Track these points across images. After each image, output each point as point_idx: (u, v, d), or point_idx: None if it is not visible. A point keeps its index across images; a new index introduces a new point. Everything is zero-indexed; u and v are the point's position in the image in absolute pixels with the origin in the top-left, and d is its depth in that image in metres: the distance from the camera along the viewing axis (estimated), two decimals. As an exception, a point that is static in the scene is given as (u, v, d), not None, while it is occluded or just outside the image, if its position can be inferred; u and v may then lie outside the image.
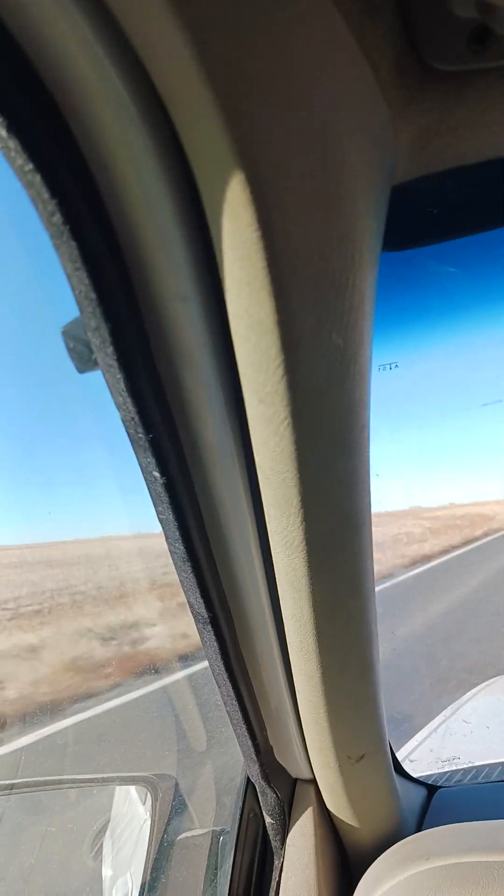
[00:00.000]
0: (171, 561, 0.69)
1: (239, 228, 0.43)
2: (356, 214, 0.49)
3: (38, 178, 0.40)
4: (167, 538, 0.66)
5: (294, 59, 0.40)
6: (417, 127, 0.51)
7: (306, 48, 0.40)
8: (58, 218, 0.42)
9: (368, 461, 0.65)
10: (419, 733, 2.21)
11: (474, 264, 0.89)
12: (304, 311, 0.48)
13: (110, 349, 0.49)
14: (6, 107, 0.38)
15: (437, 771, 1.58)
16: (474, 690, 2.70)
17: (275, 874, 1.02)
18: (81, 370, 0.54)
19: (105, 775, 1.51)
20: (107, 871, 1.56)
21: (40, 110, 0.40)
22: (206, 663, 0.81)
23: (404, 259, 0.67)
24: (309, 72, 0.41)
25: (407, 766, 1.32)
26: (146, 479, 0.61)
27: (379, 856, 1.00)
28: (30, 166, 0.40)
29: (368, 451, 0.64)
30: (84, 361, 0.53)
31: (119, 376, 0.51)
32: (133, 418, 0.54)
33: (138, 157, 0.43)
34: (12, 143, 0.39)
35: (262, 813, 1.05)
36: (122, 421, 0.55)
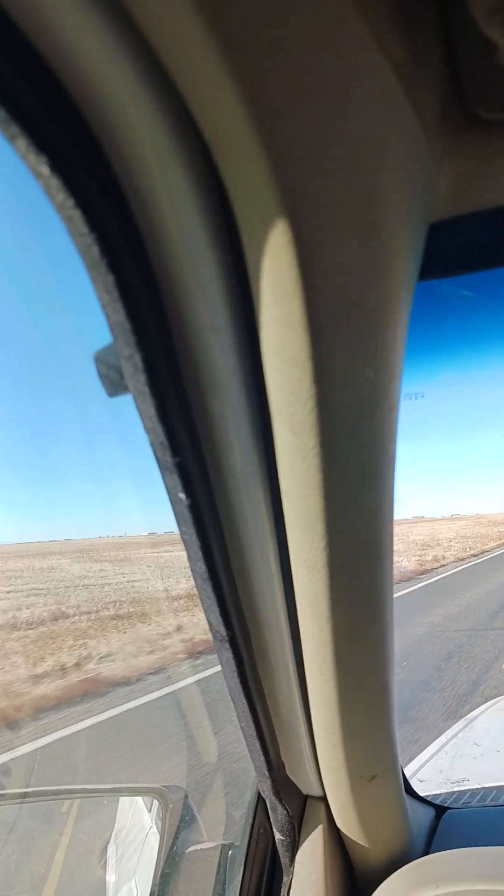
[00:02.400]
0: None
1: (278, 266, 0.44)
2: (393, 254, 0.49)
3: (77, 213, 0.41)
4: (189, 557, 0.66)
5: (344, 110, 0.41)
6: (457, 171, 0.51)
7: (357, 99, 0.41)
8: (95, 251, 0.43)
9: (394, 491, 0.65)
10: (427, 750, 2.20)
11: (497, 299, 0.89)
12: (338, 346, 0.49)
13: (143, 377, 0.50)
14: (50, 146, 0.39)
15: (446, 791, 1.57)
16: (482, 707, 2.69)
17: (283, 891, 1.02)
18: (112, 394, 0.55)
19: (116, 786, 1.52)
20: (112, 880, 1.57)
21: (84, 150, 0.41)
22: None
23: (432, 290, 0.68)
24: (358, 121, 0.42)
25: (416, 785, 1.32)
26: (171, 500, 0.61)
27: (387, 876, 1.00)
28: (70, 202, 0.41)
29: (394, 481, 0.65)
30: (115, 386, 0.54)
31: (150, 402, 0.51)
32: (161, 442, 0.55)
33: (178, 193, 0.43)
34: (54, 182, 0.40)
35: (272, 829, 1.05)
36: (150, 444, 0.56)
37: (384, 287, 0.50)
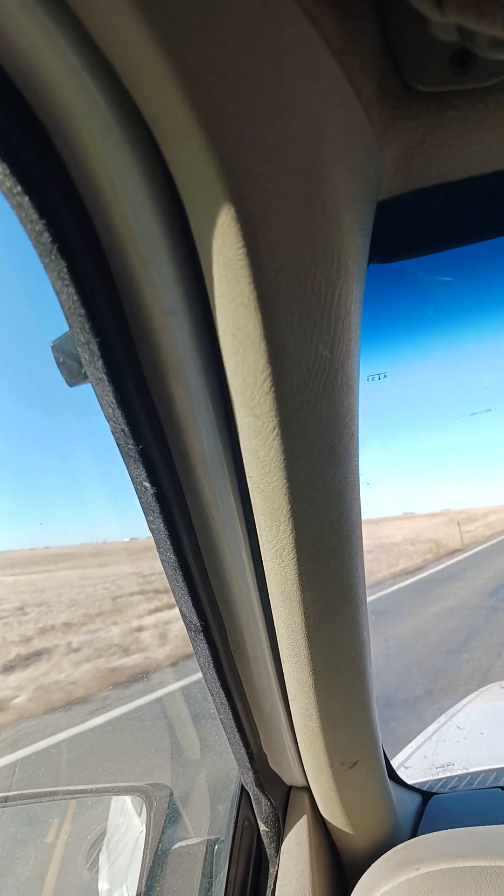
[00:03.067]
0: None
1: (225, 246, 0.44)
2: (341, 231, 0.50)
3: (26, 199, 0.41)
4: (158, 547, 0.66)
5: (279, 84, 0.41)
6: (401, 145, 0.52)
7: (291, 73, 0.41)
8: (46, 237, 0.43)
9: (358, 469, 0.66)
10: (414, 740, 2.21)
11: (461, 276, 0.90)
12: (290, 325, 0.49)
13: (99, 363, 0.50)
14: None
15: (431, 777, 1.58)
16: (469, 698, 2.70)
17: (270, 882, 1.02)
18: (71, 384, 0.55)
19: (100, 786, 1.51)
20: (103, 883, 1.56)
21: (29, 135, 0.41)
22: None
23: (392, 271, 0.68)
24: (293, 95, 0.42)
25: (402, 773, 1.33)
26: (136, 490, 0.61)
27: (373, 862, 1.01)
28: (18, 188, 0.41)
29: (358, 460, 0.65)
30: (74, 375, 0.54)
31: (109, 389, 0.52)
32: (123, 430, 0.55)
33: (125, 176, 0.44)
34: (1, 168, 0.40)
35: (256, 821, 1.05)
36: (112, 432, 0.56)
37: (332, 264, 0.50)
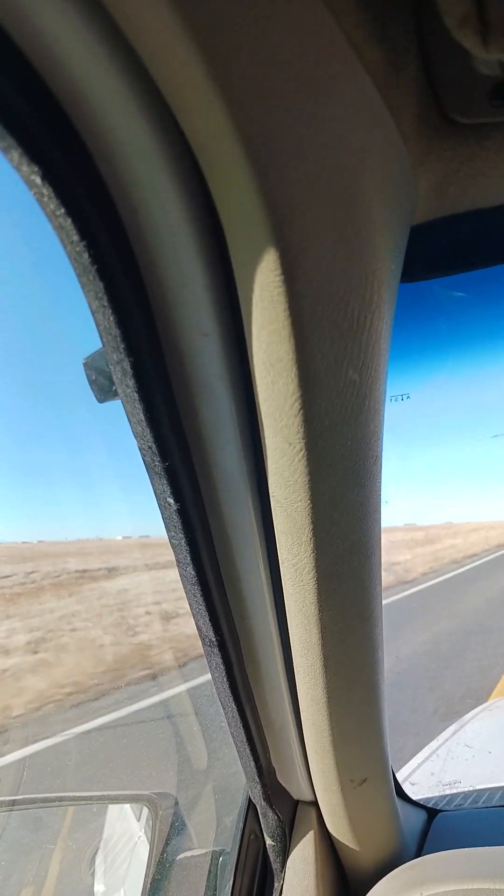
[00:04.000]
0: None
1: (262, 272, 0.45)
2: (375, 257, 0.50)
3: (68, 221, 0.42)
4: (178, 562, 0.67)
5: (324, 116, 0.41)
6: (437, 174, 0.52)
7: (336, 106, 0.42)
8: (85, 258, 0.43)
9: (380, 491, 0.66)
10: (419, 754, 2.20)
11: (487, 297, 0.90)
12: (322, 350, 0.50)
13: (131, 382, 0.50)
14: (42, 157, 0.40)
15: (438, 794, 1.58)
16: (474, 712, 2.69)
17: None
18: (101, 400, 0.56)
19: (105, 793, 1.51)
20: (100, 889, 1.55)
21: (73, 160, 0.42)
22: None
23: (419, 291, 0.68)
24: (337, 127, 0.43)
25: (407, 789, 1.32)
26: (160, 505, 0.62)
27: (379, 880, 1.00)
28: (61, 210, 0.41)
29: (380, 482, 0.65)
30: (105, 392, 0.54)
31: (139, 407, 0.52)
32: (150, 447, 0.55)
33: (165, 201, 0.44)
34: (45, 190, 0.40)
35: (262, 834, 1.05)
36: (140, 449, 0.57)
37: (366, 290, 0.50)
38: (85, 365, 0.55)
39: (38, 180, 0.40)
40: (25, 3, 0.35)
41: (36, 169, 0.40)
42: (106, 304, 0.46)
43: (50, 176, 0.40)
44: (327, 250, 0.46)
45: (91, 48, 0.37)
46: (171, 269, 0.48)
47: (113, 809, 1.60)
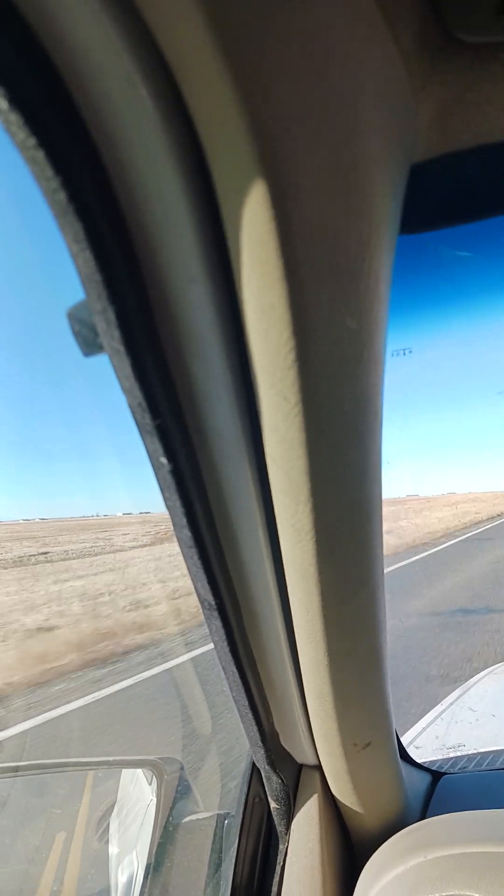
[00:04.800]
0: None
1: (252, 209, 0.42)
2: (373, 194, 0.47)
3: (41, 153, 0.38)
4: (174, 524, 0.65)
5: (312, 29, 0.38)
6: (439, 100, 0.48)
7: (325, 17, 0.38)
8: (62, 196, 0.40)
9: (380, 449, 0.64)
10: (424, 718, 2.22)
11: (492, 249, 0.87)
12: (317, 295, 0.47)
13: (116, 332, 0.48)
14: (8, 78, 0.36)
15: (442, 757, 1.58)
16: (478, 676, 2.71)
17: (279, 858, 1.02)
18: (87, 354, 0.53)
19: (111, 758, 1.53)
20: (113, 850, 1.58)
21: (44, 83, 0.38)
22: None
23: (420, 242, 0.65)
24: (328, 42, 0.39)
25: (412, 752, 1.33)
26: (153, 465, 0.60)
27: (383, 842, 1.00)
28: (32, 141, 0.38)
29: (381, 439, 0.63)
30: (90, 345, 0.52)
31: (126, 361, 0.49)
32: (140, 403, 0.53)
33: (146, 133, 0.41)
34: (14, 117, 0.37)
35: (266, 798, 1.05)
36: (129, 406, 0.54)
37: (364, 230, 0.47)
38: (68, 316, 0.52)
39: (5, 105, 0.37)
40: None
41: (2, 91, 0.36)
42: (86, 247, 0.43)
43: (18, 101, 0.37)
44: (322, 184, 0.43)
45: None
46: (154, 207, 0.44)
47: (126, 774, 1.62)
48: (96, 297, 0.46)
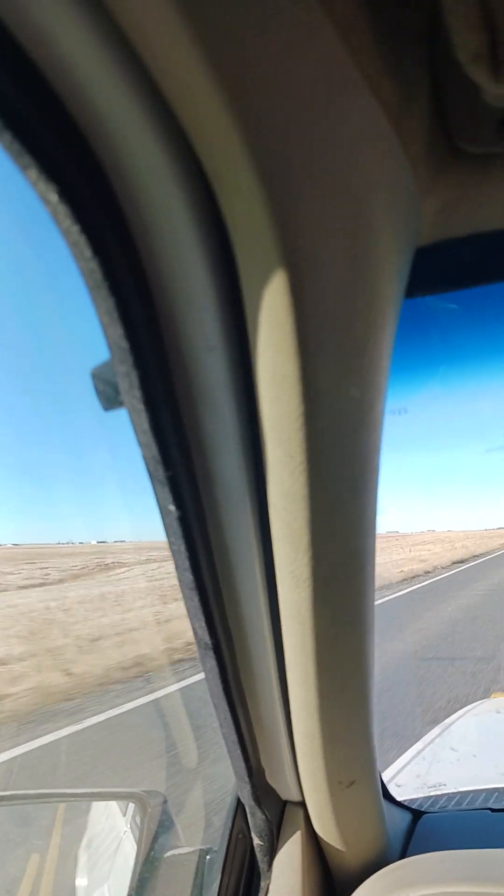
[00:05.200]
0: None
1: (270, 292, 0.46)
2: (381, 279, 0.51)
3: (82, 239, 0.43)
4: (177, 567, 0.68)
5: (337, 147, 0.43)
6: (443, 200, 0.54)
7: (349, 137, 0.43)
8: (98, 275, 0.45)
9: (377, 502, 0.67)
10: (404, 755, 2.22)
11: (484, 316, 0.92)
12: (326, 368, 0.51)
13: (138, 393, 0.51)
14: (59, 176, 0.41)
15: (422, 796, 1.60)
16: (459, 713, 2.72)
17: (261, 895, 1.03)
18: (107, 409, 0.57)
19: (94, 790, 1.52)
20: (82, 882, 1.56)
21: (89, 178, 0.43)
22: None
23: (418, 307, 0.69)
24: (348, 156, 0.44)
25: (393, 790, 1.34)
26: (161, 512, 0.63)
27: (364, 880, 1.02)
28: (76, 228, 0.42)
29: (377, 493, 0.67)
30: (110, 401, 0.55)
31: (144, 418, 0.53)
32: (154, 456, 0.56)
33: (178, 222, 0.45)
34: (61, 209, 0.42)
35: (250, 834, 1.06)
36: (143, 458, 0.58)
37: (372, 310, 0.52)
38: (93, 375, 0.56)
39: (55, 199, 0.41)
40: (47, 29, 0.36)
41: (53, 187, 0.41)
42: (116, 319, 0.47)
43: (65, 195, 0.41)
44: (335, 273, 0.47)
45: (109, 74, 0.38)
46: (180, 287, 0.49)
47: (98, 806, 1.61)
48: (121, 361, 0.50)
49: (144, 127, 0.41)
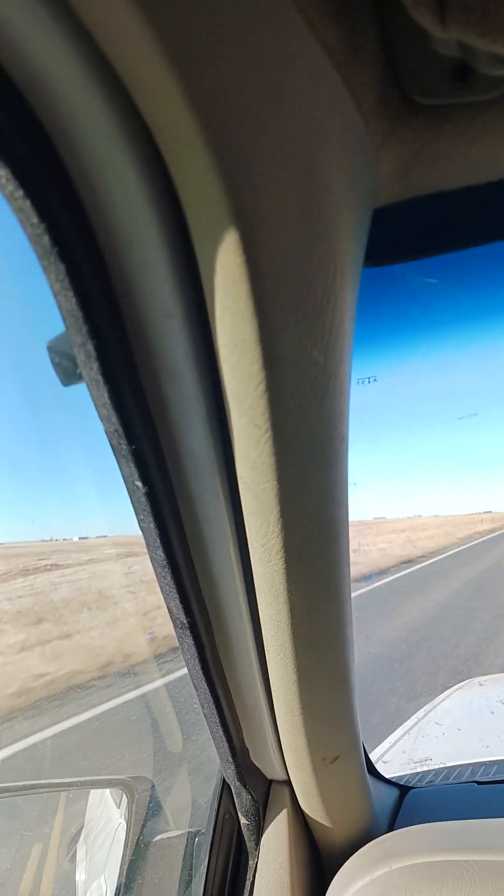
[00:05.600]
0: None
1: (224, 252, 0.45)
2: (338, 238, 0.50)
3: (27, 203, 0.41)
4: (148, 545, 0.67)
5: (281, 95, 0.42)
6: (399, 156, 0.53)
7: (293, 85, 0.42)
8: (46, 240, 0.43)
9: (346, 472, 0.67)
10: (392, 735, 2.24)
11: (453, 281, 0.91)
12: (286, 330, 0.50)
13: (95, 364, 0.50)
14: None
15: (409, 772, 1.61)
16: (447, 692, 2.74)
17: (249, 874, 1.03)
18: (66, 383, 0.55)
19: (81, 779, 1.52)
20: (81, 875, 1.56)
21: (31, 140, 0.41)
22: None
23: (384, 275, 0.69)
24: (295, 106, 0.43)
25: (380, 767, 1.35)
26: (128, 489, 0.62)
27: (351, 855, 1.02)
28: (20, 192, 0.41)
29: (347, 463, 0.66)
30: (69, 375, 0.54)
31: (104, 390, 0.52)
32: (116, 430, 0.55)
33: (126, 182, 0.44)
34: (3, 171, 0.40)
35: (237, 814, 1.06)
36: (106, 432, 0.57)
37: (329, 270, 0.51)
38: (48, 348, 0.55)
39: None
40: None
41: None
42: (68, 286, 0.46)
43: (7, 157, 0.40)
44: (289, 231, 0.46)
45: (47, 30, 0.37)
46: (133, 251, 0.47)
47: (94, 796, 1.61)
48: (76, 331, 0.49)
49: (86, 86, 0.39)
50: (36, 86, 0.39)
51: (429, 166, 0.54)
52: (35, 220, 0.42)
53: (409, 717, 2.45)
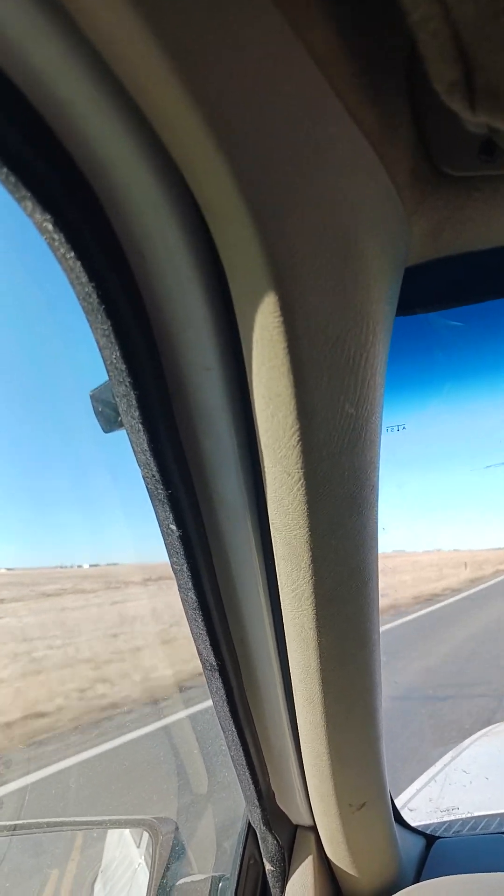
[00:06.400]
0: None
1: (262, 315, 0.47)
2: (371, 300, 0.53)
3: (78, 265, 0.44)
4: (179, 587, 0.68)
5: (322, 176, 0.45)
6: (430, 221, 0.55)
7: (333, 166, 0.45)
8: (94, 299, 0.46)
9: (377, 519, 0.68)
10: (418, 780, 2.19)
11: (482, 330, 0.93)
12: (319, 386, 0.52)
13: (136, 413, 0.53)
14: (54, 208, 0.42)
15: (436, 821, 1.57)
16: (473, 738, 2.67)
17: None
18: (107, 430, 0.58)
19: (106, 818, 1.51)
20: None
21: (82, 208, 0.44)
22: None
23: (414, 324, 0.71)
24: (332, 183, 0.46)
25: (406, 815, 1.32)
26: (162, 531, 0.63)
27: None
28: (71, 254, 0.44)
29: (377, 510, 0.67)
30: (110, 423, 0.57)
31: (143, 438, 0.54)
32: (154, 475, 0.57)
33: (172, 249, 0.47)
34: (57, 237, 0.43)
35: (262, 859, 1.05)
36: (143, 477, 0.59)
37: (362, 330, 0.53)
38: (91, 397, 0.57)
39: (50, 227, 0.43)
40: (44, 72, 0.38)
41: (48, 217, 0.42)
42: (113, 341, 0.48)
43: (61, 223, 0.43)
44: (325, 295, 0.49)
45: (103, 112, 0.40)
46: (176, 310, 0.50)
47: (112, 835, 1.59)
48: (119, 382, 0.51)
49: (139, 161, 0.43)
50: (95, 162, 0.43)
51: (457, 230, 0.56)
52: (84, 279, 0.45)
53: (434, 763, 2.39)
